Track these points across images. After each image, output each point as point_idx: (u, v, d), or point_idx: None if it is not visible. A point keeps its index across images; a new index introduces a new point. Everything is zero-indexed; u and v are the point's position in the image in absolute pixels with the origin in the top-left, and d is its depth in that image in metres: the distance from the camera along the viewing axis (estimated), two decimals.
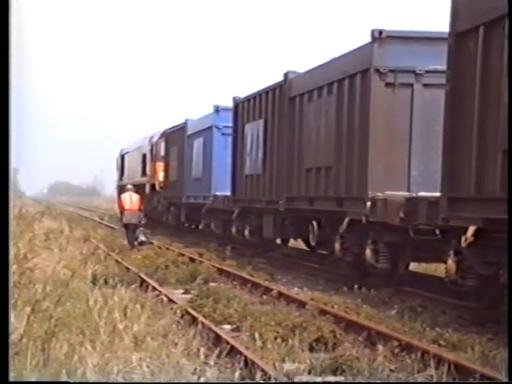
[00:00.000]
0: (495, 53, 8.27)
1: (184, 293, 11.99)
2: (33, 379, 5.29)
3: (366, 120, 12.16)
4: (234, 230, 19.69)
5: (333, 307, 9.72)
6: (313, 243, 15.25)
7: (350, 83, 12.78)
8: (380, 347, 7.32)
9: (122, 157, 39.51)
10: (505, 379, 5.92)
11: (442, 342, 7.84)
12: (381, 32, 11.93)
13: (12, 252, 9.44)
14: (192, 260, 15.86)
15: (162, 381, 5.77)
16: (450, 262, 9.48)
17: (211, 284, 12.62)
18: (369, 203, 11.77)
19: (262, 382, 5.92)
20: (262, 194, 17.45)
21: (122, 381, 5.59)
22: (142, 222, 19.89)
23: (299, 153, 15.20)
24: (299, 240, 17.91)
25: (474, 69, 8.64)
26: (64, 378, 5.42)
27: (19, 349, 5.91)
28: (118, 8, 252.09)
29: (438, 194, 9.64)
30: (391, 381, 6.25)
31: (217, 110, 22.88)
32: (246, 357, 6.67)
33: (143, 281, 11.97)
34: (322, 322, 8.24)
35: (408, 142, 12.04)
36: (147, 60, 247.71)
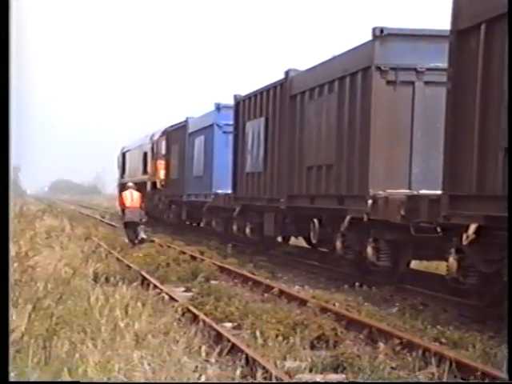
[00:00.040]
0: (497, 50, 8.26)
1: (185, 291, 11.99)
2: (33, 378, 5.28)
3: (367, 118, 12.16)
4: (235, 227, 19.69)
5: (334, 305, 9.72)
6: (314, 241, 15.25)
7: (352, 81, 12.77)
8: (381, 345, 7.32)
9: (123, 155, 39.51)
10: (505, 375, 5.92)
11: (443, 340, 7.84)
12: (382, 30, 11.92)
13: (13, 250, 9.45)
14: (193, 258, 15.87)
15: (163, 379, 5.77)
16: (451, 259, 9.48)
17: (212, 282, 12.63)
18: (370, 201, 11.77)
19: (262, 382, 5.91)
20: (263, 192, 17.45)
21: (123, 379, 5.59)
22: (143, 220, 19.90)
23: (300, 151, 15.19)
24: (300, 238, 17.91)
25: (476, 66, 8.63)
26: (65, 376, 5.42)
27: (20, 347, 5.91)
28: (118, 7, 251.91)
29: (439, 192, 9.63)
30: (392, 381, 6.24)
31: (218, 107, 22.87)
32: (247, 355, 6.68)
33: (144, 279, 11.97)
34: (323, 320, 8.24)
35: (409, 139, 12.04)
36: (148, 58, 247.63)
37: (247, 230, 18.70)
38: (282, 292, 11.21)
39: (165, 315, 8.40)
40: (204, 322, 8.25)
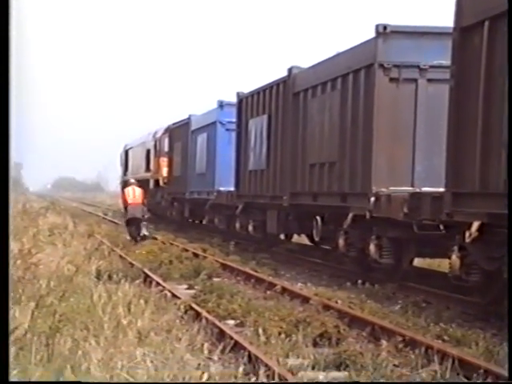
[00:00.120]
0: (500, 47, 8.24)
1: (188, 288, 12.00)
2: (36, 376, 5.29)
3: (370, 115, 12.15)
4: (237, 225, 19.69)
5: (336, 302, 9.72)
6: (317, 239, 15.24)
7: (354, 78, 12.76)
8: (384, 342, 7.31)
9: (126, 152, 39.53)
10: (506, 374, 5.92)
11: (445, 338, 7.83)
12: (385, 27, 11.90)
13: (16, 247, 9.46)
14: (196, 255, 15.87)
15: (166, 376, 5.77)
16: (454, 257, 9.47)
17: (215, 279, 12.63)
18: (373, 198, 11.76)
19: (264, 382, 5.91)
20: (266, 190, 17.44)
21: (125, 376, 5.59)
22: (146, 216, 19.90)
23: (303, 148, 15.19)
24: (303, 235, 17.91)
25: (479, 64, 8.62)
26: (68, 373, 5.42)
27: (23, 344, 5.92)
28: (120, 4, 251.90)
29: (442, 189, 9.62)
30: (394, 380, 6.23)
31: (220, 105, 22.85)
32: (249, 352, 6.68)
33: (147, 276, 11.98)
34: (326, 318, 8.24)
35: (412, 137, 12.02)
36: (151, 56, 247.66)
37: (250, 228, 18.70)
38: (284, 289, 11.20)
39: (167, 313, 8.40)
40: (207, 319, 8.25)
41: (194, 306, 9.23)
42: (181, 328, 7.70)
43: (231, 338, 7.28)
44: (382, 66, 11.96)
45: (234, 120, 20.30)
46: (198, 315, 8.63)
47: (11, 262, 8.41)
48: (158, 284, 10.92)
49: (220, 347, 7.01)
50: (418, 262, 13.31)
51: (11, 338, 5.88)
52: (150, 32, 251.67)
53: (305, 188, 15.06)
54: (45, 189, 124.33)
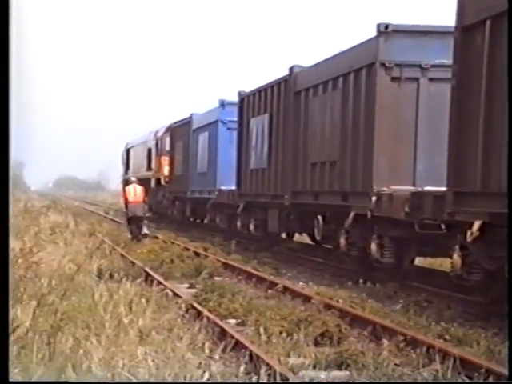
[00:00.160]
0: (502, 46, 8.23)
1: (189, 287, 12.00)
2: (37, 375, 5.29)
3: (372, 114, 12.14)
4: (239, 224, 19.69)
5: (338, 302, 9.72)
6: (318, 238, 15.24)
7: (356, 77, 12.76)
8: (385, 342, 7.31)
9: (128, 151, 39.53)
10: (507, 373, 5.92)
11: (447, 337, 7.83)
12: (387, 26, 11.89)
13: (18, 246, 9.47)
14: (197, 254, 15.87)
15: (167, 375, 5.78)
16: (455, 256, 9.46)
17: (216, 278, 12.63)
18: (374, 198, 11.76)
19: (265, 382, 5.90)
20: (267, 189, 17.44)
21: (127, 375, 5.59)
22: (147, 215, 19.90)
23: (304, 147, 15.19)
24: (304, 234, 17.90)
25: (481, 63, 8.61)
26: (69, 372, 5.43)
27: (25, 343, 5.92)
28: (121, 3, 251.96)
29: (443, 189, 9.62)
30: (396, 380, 6.23)
31: (222, 104, 22.86)
32: (251, 351, 6.68)
33: (148, 275, 11.98)
34: (327, 317, 8.24)
35: (413, 136, 12.02)
36: (153, 55, 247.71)
37: (251, 227, 18.70)
38: (285, 288, 11.20)
39: (169, 311, 8.41)
40: (208, 318, 8.25)
41: (196, 304, 9.23)
42: (182, 327, 7.70)
43: (232, 337, 7.28)
44: (383, 65, 11.95)
45: (236, 119, 20.31)
46: (199, 314, 8.63)
47: (13, 260, 8.42)
48: (159, 283, 10.92)
49: (221, 346, 7.01)
50: (419, 261, 13.31)
51: (12, 337, 5.89)
52: (152, 30, 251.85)
53: (306, 187, 15.05)
54: (46, 187, 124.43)
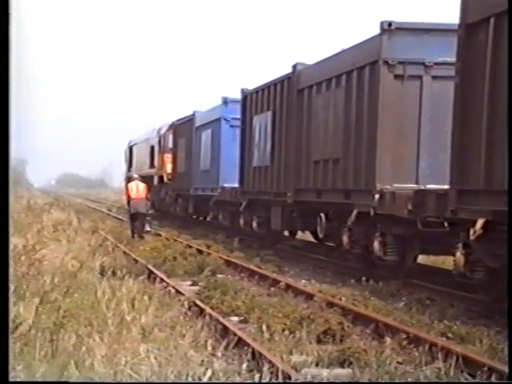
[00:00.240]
0: (506, 44, 8.22)
1: (192, 284, 12.00)
2: (39, 372, 5.29)
3: (375, 112, 12.13)
4: (241, 221, 19.69)
5: (340, 299, 9.72)
6: (321, 235, 15.24)
7: (359, 75, 12.74)
8: (388, 339, 7.31)
9: (130, 148, 39.55)
10: (506, 368, 5.91)
11: (450, 335, 7.83)
12: (390, 24, 11.88)
13: (20, 243, 9.48)
14: (200, 252, 15.88)
15: (170, 372, 5.78)
16: (458, 254, 9.46)
17: (219, 276, 12.63)
18: (377, 195, 11.75)
19: (266, 382, 5.90)
20: (270, 186, 17.44)
21: (129, 372, 5.60)
22: (150, 212, 19.90)
23: (307, 145, 15.18)
24: (307, 232, 17.90)
25: (484, 60, 8.59)
26: (72, 369, 5.43)
27: (28, 340, 5.93)
28: (122, 1, 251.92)
29: (446, 187, 9.60)
30: (398, 378, 6.22)
31: (225, 101, 22.86)
32: (253, 349, 6.68)
33: (151, 272, 11.98)
34: (330, 314, 8.24)
35: (417, 134, 12.01)
36: (156, 52, 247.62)
37: (254, 224, 18.70)
38: (288, 286, 11.20)
39: (171, 309, 8.41)
40: (210, 315, 8.25)
41: (198, 302, 9.23)
42: (185, 324, 7.71)
43: (235, 335, 7.28)
44: (386, 62, 11.94)
45: (239, 116, 20.30)
46: (201, 312, 8.63)
47: (15, 258, 8.43)
48: (161, 280, 10.92)
49: (224, 344, 7.01)
50: (422, 259, 13.30)
51: (15, 334, 5.90)
52: (155, 28, 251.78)
53: (309, 185, 15.05)
54: (49, 185, 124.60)
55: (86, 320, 6.92)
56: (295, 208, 16.26)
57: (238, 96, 20.34)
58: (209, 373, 5.90)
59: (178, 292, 9.93)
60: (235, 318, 8.92)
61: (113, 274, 10.64)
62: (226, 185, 21.53)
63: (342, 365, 6.64)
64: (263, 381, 5.90)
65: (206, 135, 24.48)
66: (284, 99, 16.66)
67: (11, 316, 6.23)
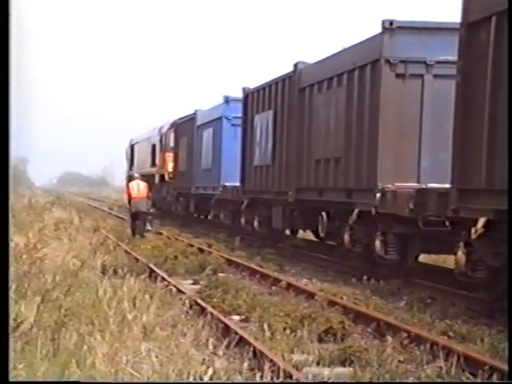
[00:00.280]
0: (507, 43, 8.20)
1: (193, 283, 12.01)
2: (39, 373, 5.30)
3: (376, 111, 12.12)
4: (243, 220, 19.69)
5: (342, 298, 9.71)
6: (322, 234, 15.23)
7: (360, 74, 12.73)
8: (389, 338, 7.31)
9: (132, 147, 39.57)
10: (507, 372, 5.91)
11: (451, 334, 7.83)
12: (391, 22, 11.87)
13: (22, 242, 9.49)
14: (201, 250, 15.88)
15: (171, 371, 5.78)
16: (459, 253, 9.45)
17: (220, 275, 12.63)
18: (378, 194, 11.75)
19: (265, 382, 5.90)
20: (272, 185, 17.44)
21: (130, 370, 5.60)
22: (150, 210, 19.90)
23: (308, 144, 15.17)
24: (308, 231, 17.90)
25: (486, 59, 8.58)
26: (73, 368, 5.43)
27: (29, 338, 5.94)
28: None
29: (448, 186, 9.60)
30: (399, 377, 6.22)
31: (226, 100, 22.86)
32: (254, 347, 6.68)
33: (152, 271, 11.99)
34: (331, 313, 8.24)
35: (418, 133, 12.00)
36: (157, 51, 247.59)
37: (255, 223, 18.70)
38: (289, 285, 11.20)
39: (172, 308, 8.41)
40: (212, 314, 8.26)
41: (199, 301, 9.23)
42: (186, 323, 7.71)
43: (236, 334, 7.29)
44: (388, 61, 11.93)
45: (240, 115, 20.30)
46: (203, 310, 8.64)
47: (17, 256, 8.44)
48: (163, 279, 10.93)
49: (225, 342, 7.02)
50: (423, 258, 13.29)
51: (17, 333, 5.90)
52: (156, 27, 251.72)
53: (310, 184, 15.04)
54: (51, 183, 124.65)
55: (88, 319, 6.92)
56: (296, 207, 16.26)
57: (240, 95, 20.34)
58: (210, 371, 5.90)
59: (179, 291, 9.93)
60: (236, 317, 8.92)
61: (114, 272, 10.64)
62: (227, 184, 21.52)
63: (343, 364, 6.64)
64: (264, 380, 5.90)
65: (207, 134, 24.48)
66: (285, 98, 16.65)
67: (12, 315, 6.24)
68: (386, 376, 6.17)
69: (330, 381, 6.17)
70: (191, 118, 26.92)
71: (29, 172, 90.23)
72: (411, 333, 7.37)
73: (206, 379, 5.80)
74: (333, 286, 11.14)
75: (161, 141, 31.18)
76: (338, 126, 13.66)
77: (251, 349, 6.65)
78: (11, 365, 5.07)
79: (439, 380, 6.21)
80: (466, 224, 9.12)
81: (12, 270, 8.06)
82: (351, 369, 6.46)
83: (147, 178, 27.87)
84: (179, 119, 29.31)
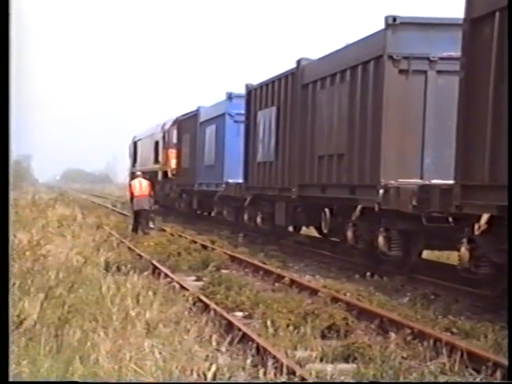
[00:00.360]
0: (507, 39, 8.18)
1: (196, 280, 12.01)
2: (43, 369, 5.31)
3: (379, 107, 12.11)
4: (246, 217, 19.69)
5: (345, 295, 9.71)
6: (325, 231, 15.23)
7: (364, 70, 12.72)
8: (392, 335, 7.31)
9: (135, 144, 39.57)
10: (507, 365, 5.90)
11: (454, 330, 7.82)
12: (394, 18, 11.85)
13: (25, 239, 9.52)
14: (204, 247, 15.89)
15: (174, 367, 5.78)
16: (463, 249, 9.44)
17: (223, 271, 12.64)
18: (381, 191, 11.73)
19: (266, 382, 5.90)
20: (275, 182, 17.43)
21: (134, 367, 5.60)
22: (152, 208, 19.90)
23: (312, 140, 15.16)
24: (311, 227, 17.89)
25: (489, 55, 8.56)
26: (77, 364, 5.44)
27: (33, 335, 5.95)
28: None
29: (451, 182, 9.59)
30: (402, 373, 6.22)
31: (229, 97, 22.84)
32: (257, 344, 6.68)
33: (155, 268, 12.00)
34: (334, 310, 8.23)
35: (421, 129, 11.98)
36: (160, 47, 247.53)
37: (258, 220, 18.70)
38: (293, 281, 11.20)
39: (176, 304, 8.42)
40: (215, 311, 8.26)
41: (203, 297, 9.24)
42: (189, 320, 7.71)
43: (239, 330, 7.29)
44: (391, 57, 11.91)
45: (243, 112, 20.29)
46: (206, 307, 8.64)
47: (20, 253, 8.46)
48: (166, 276, 10.93)
49: (228, 339, 7.02)
50: (426, 254, 13.29)
51: (20, 329, 5.91)
52: (158, 24, 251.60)
53: (313, 180, 15.03)
54: (54, 180, 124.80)
55: (91, 315, 6.93)
56: (299, 203, 16.26)
57: (243, 91, 20.33)
58: (213, 368, 5.90)
59: (182, 287, 9.94)
60: (240, 314, 8.92)
61: (117, 269, 10.66)
62: (230, 180, 21.52)
63: (346, 360, 6.64)
64: (267, 376, 5.90)
65: (210, 130, 24.47)
66: (288, 94, 16.64)
67: (16, 311, 6.25)
68: (389, 372, 6.16)
69: (333, 377, 6.17)
70: (194, 115, 26.91)
71: (32, 169, 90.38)
72: (415, 329, 7.37)
73: (209, 375, 5.81)
74: (336, 283, 11.14)
75: (164, 137, 31.18)
76: (341, 122, 13.64)
77: (254, 345, 6.66)
78: (14, 362, 5.08)
79: (442, 376, 6.20)
80: (470, 220, 9.11)
81: (15, 266, 8.08)
82: (354, 365, 6.45)
83: (150, 174, 27.89)
84: (182, 116, 29.30)
